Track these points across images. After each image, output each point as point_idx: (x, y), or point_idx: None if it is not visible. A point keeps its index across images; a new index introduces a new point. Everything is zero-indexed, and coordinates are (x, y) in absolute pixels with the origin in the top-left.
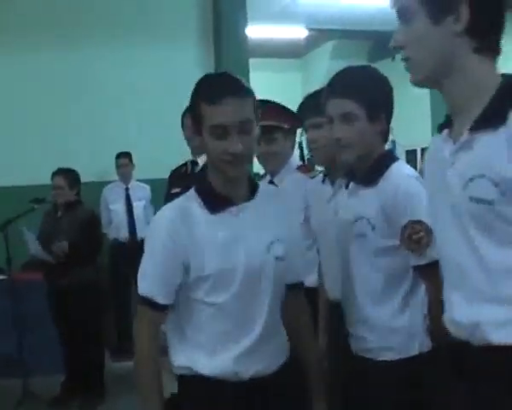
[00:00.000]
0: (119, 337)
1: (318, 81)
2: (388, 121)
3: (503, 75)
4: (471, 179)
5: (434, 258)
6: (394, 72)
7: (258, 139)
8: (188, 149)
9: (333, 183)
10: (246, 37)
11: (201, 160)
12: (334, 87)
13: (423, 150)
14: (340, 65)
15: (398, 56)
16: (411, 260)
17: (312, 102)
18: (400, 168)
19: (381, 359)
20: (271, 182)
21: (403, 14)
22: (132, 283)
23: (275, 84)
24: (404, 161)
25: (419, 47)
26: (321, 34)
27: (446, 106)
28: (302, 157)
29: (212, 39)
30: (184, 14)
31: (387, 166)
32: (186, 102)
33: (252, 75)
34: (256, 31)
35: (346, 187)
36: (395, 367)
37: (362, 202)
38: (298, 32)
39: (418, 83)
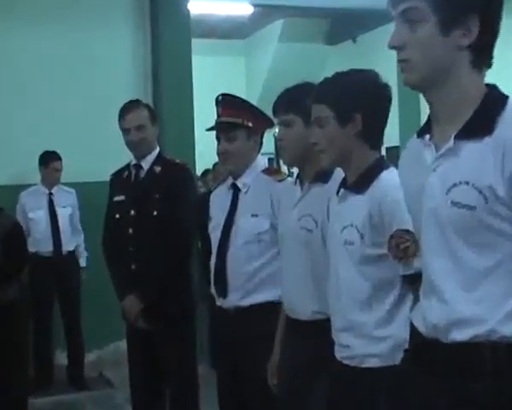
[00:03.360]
0: (37, 367)
1: (264, 67)
2: (369, 124)
3: (487, 85)
4: (454, 185)
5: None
6: (355, 55)
7: (218, 136)
8: (116, 151)
9: (302, 185)
10: (188, 13)
11: (146, 163)
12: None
13: (388, 150)
14: (291, 48)
15: (360, 39)
16: (400, 270)
17: (284, 99)
18: (390, 177)
19: (364, 366)
20: (234, 185)
21: (410, 16)
22: (54, 303)
23: (214, 69)
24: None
25: (422, 52)
26: (268, 11)
27: (429, 109)
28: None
29: (148, 17)
30: None
31: (378, 173)
32: (118, 101)
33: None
34: (195, 6)
35: (337, 193)
36: (379, 374)
37: (351, 209)
38: (242, 9)
39: (411, 85)
